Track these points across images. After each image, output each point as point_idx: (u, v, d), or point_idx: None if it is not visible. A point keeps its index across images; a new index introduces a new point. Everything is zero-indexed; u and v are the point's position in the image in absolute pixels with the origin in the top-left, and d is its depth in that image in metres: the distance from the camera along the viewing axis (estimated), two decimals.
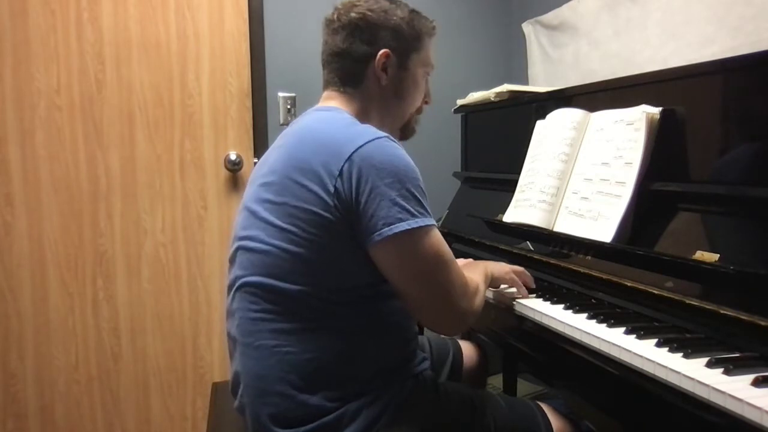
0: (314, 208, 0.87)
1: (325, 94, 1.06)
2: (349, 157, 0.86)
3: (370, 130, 0.91)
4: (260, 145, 2.07)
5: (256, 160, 2.06)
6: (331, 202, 0.86)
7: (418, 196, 0.88)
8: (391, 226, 0.85)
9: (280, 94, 2.12)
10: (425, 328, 1.15)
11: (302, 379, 0.89)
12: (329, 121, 0.96)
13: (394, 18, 1.02)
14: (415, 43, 1.05)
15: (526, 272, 1.18)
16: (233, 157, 1.99)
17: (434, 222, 0.90)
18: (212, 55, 1.95)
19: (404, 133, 1.14)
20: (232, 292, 0.98)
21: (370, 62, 1.02)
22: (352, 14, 1.01)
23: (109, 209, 1.89)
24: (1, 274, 1.79)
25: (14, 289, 1.81)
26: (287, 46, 2.11)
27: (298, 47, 2.13)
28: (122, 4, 1.84)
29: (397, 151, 0.89)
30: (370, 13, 1.01)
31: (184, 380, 2.01)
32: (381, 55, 1.01)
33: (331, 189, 0.86)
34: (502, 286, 1.19)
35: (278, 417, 0.90)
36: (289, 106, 2.14)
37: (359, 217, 0.86)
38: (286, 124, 2.13)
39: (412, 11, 1.06)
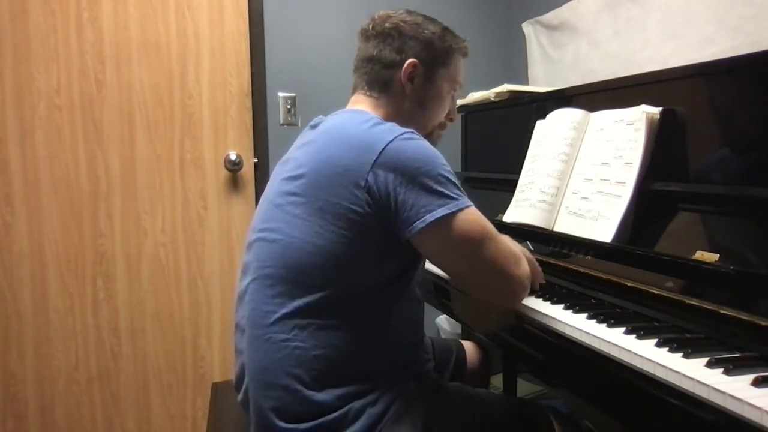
0: (344, 203, 0.89)
1: (353, 98, 1.10)
2: (381, 153, 0.89)
3: (396, 127, 0.94)
4: (260, 145, 2.07)
5: (256, 160, 2.06)
6: (362, 197, 0.88)
7: (452, 179, 0.92)
8: (434, 212, 0.88)
9: (280, 94, 2.12)
10: (427, 330, 1.15)
11: (308, 374, 0.90)
12: (357, 120, 0.98)
13: (426, 31, 1.06)
14: (445, 57, 1.09)
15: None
16: (233, 157, 1.99)
17: (471, 202, 0.93)
18: (212, 55, 1.96)
19: None
20: (245, 284, 0.99)
21: (397, 70, 1.05)
22: (386, 24, 1.06)
23: (109, 209, 1.89)
24: (1, 274, 1.79)
25: (14, 289, 1.81)
26: (287, 46, 2.11)
27: (298, 47, 2.13)
28: (122, 4, 1.85)
29: (423, 142, 0.94)
30: (402, 24, 1.06)
31: (184, 380, 2.01)
32: (408, 65, 1.05)
33: (362, 184, 0.88)
34: None
35: (281, 411, 0.90)
36: (289, 106, 2.13)
37: (398, 209, 0.89)
38: (287, 124, 2.14)
39: (445, 28, 1.10)
